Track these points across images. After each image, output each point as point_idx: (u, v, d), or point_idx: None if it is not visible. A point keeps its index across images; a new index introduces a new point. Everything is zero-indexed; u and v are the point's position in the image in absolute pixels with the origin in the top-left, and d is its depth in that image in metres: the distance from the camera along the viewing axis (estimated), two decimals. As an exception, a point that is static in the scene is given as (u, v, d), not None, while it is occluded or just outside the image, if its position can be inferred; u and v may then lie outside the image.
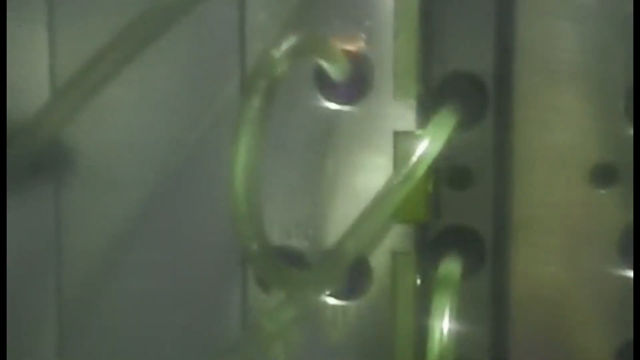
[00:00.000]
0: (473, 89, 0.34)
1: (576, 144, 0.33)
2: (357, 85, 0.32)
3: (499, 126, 0.34)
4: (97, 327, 0.34)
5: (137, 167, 0.34)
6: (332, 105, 0.33)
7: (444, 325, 0.30)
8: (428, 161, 0.30)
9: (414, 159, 0.30)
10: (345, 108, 0.33)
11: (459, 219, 0.34)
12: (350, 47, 0.32)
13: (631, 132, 0.33)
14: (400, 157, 0.32)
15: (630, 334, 0.33)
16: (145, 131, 0.34)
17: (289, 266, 0.31)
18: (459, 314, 0.31)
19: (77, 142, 0.34)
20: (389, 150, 0.32)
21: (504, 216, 0.34)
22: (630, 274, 0.33)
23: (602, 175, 0.33)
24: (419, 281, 0.33)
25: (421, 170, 0.30)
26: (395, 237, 0.32)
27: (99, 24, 0.33)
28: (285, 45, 0.28)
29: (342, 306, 0.33)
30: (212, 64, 0.33)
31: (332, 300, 0.33)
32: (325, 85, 0.33)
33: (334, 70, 0.31)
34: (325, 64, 0.31)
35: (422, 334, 0.32)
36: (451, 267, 0.32)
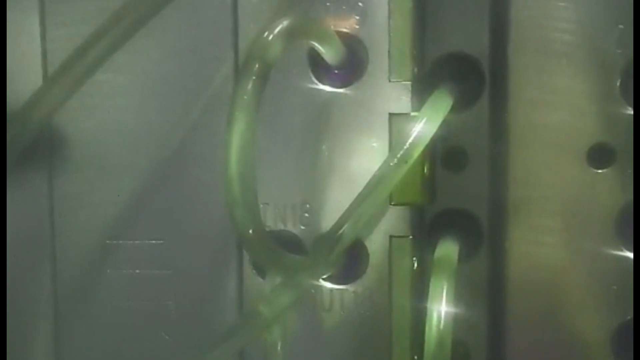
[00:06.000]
0: (468, 70, 0.33)
1: (572, 124, 0.33)
2: (352, 67, 0.32)
3: (494, 107, 0.34)
4: (92, 314, 0.34)
5: (131, 153, 0.34)
6: (327, 88, 0.33)
7: (441, 308, 0.30)
8: (424, 143, 0.30)
9: (410, 141, 0.30)
10: (340, 90, 0.33)
11: (455, 201, 0.34)
12: (344, 29, 0.32)
13: (628, 111, 0.32)
14: (395, 139, 0.32)
15: (627, 315, 0.33)
16: (139, 116, 0.34)
17: (285, 251, 0.31)
18: (456, 297, 0.31)
19: (70, 128, 0.34)
20: (384, 133, 0.32)
21: (501, 197, 0.34)
22: (628, 254, 0.33)
23: (599, 155, 0.33)
24: (415, 264, 0.33)
25: (417, 152, 0.30)
26: (392, 220, 0.32)
27: (90, 9, 0.33)
28: (279, 28, 0.28)
29: (338, 290, 0.33)
30: (205, 48, 0.33)
31: (328, 285, 0.33)
32: (319, 67, 0.32)
33: (327, 52, 0.31)
34: (319, 47, 0.31)
35: (419, 317, 0.32)
36: (448, 249, 0.32)
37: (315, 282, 0.32)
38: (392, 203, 0.32)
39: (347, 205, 0.30)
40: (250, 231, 0.29)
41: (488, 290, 0.34)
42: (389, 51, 0.32)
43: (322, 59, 0.32)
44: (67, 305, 0.35)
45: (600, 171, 0.33)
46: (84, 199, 0.34)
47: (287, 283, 0.30)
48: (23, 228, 0.34)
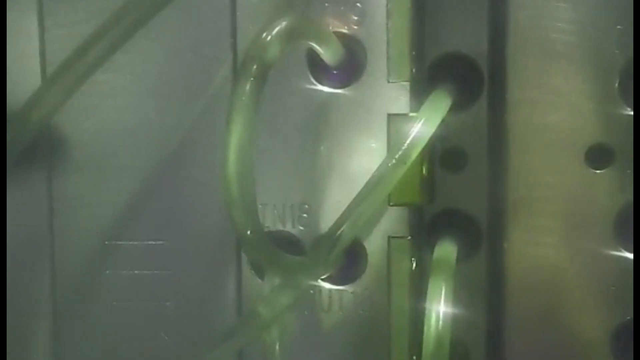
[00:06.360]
0: (467, 70, 0.33)
1: (571, 124, 0.33)
2: (350, 68, 0.32)
3: (493, 107, 0.34)
4: (92, 314, 0.34)
5: (131, 153, 0.34)
6: (325, 89, 0.33)
7: (439, 309, 0.30)
8: (422, 143, 0.30)
9: (408, 141, 0.30)
10: (339, 91, 0.32)
11: (454, 202, 0.34)
12: (343, 30, 0.32)
13: (626, 112, 0.32)
14: (394, 139, 0.32)
15: (626, 315, 0.33)
16: (138, 116, 0.34)
17: (284, 251, 0.31)
18: (455, 298, 0.31)
19: (69, 128, 0.34)
20: (383, 133, 0.32)
21: (499, 198, 0.34)
22: (626, 254, 0.33)
23: (598, 155, 0.33)
24: (414, 265, 0.33)
25: (415, 153, 0.30)
26: (390, 220, 0.32)
27: (89, 9, 0.33)
28: (277, 28, 0.28)
29: (337, 291, 0.33)
30: (204, 48, 0.33)
31: (327, 285, 0.33)
32: (317, 68, 0.32)
33: (326, 53, 0.31)
34: (317, 47, 0.31)
35: (418, 317, 0.32)
36: (447, 250, 0.32)
37: (314, 283, 0.32)
38: (391, 203, 0.32)
39: (345, 206, 0.30)
40: (249, 232, 0.29)
41: (487, 291, 0.34)
42: (387, 52, 0.32)
43: (321, 59, 0.32)
44: (66, 305, 0.35)
45: (598, 171, 0.33)
46: (83, 199, 0.34)
47: (285, 284, 0.30)
48: (23, 228, 0.34)
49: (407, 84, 0.32)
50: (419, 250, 0.33)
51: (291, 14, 0.32)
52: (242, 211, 0.28)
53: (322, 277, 0.32)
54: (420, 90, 0.32)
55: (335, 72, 0.32)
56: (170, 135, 0.34)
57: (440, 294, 0.30)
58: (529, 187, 0.33)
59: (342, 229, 0.30)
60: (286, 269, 0.30)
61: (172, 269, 0.34)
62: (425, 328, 0.30)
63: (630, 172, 0.32)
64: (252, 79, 0.28)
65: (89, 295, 0.35)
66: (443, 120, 0.31)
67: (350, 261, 0.32)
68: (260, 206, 0.32)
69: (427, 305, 0.30)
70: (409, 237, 0.33)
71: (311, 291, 0.33)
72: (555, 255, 0.33)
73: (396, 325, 0.33)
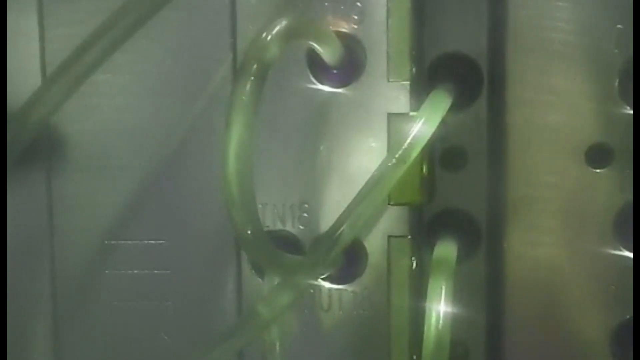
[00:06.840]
0: (467, 69, 0.33)
1: (571, 124, 0.33)
2: (350, 67, 0.32)
3: (493, 107, 0.34)
4: (92, 314, 0.34)
5: (130, 153, 0.34)
6: (325, 88, 0.33)
7: (440, 308, 0.30)
8: (422, 143, 0.30)
9: (408, 141, 0.30)
10: (338, 90, 0.32)
11: (454, 201, 0.34)
12: (343, 29, 0.32)
13: (626, 111, 0.32)
14: (394, 139, 0.32)
15: (626, 314, 0.33)
16: (138, 116, 0.34)
17: (284, 251, 0.31)
18: (455, 297, 0.31)
19: (68, 128, 0.34)
20: (383, 133, 0.32)
21: (499, 197, 0.34)
22: (626, 253, 0.33)
23: (597, 155, 0.33)
24: (414, 264, 0.33)
25: (415, 152, 0.30)
26: (390, 220, 0.32)
27: (89, 9, 0.33)
28: (277, 28, 0.28)
29: (337, 290, 0.33)
30: (203, 48, 0.33)
31: (327, 285, 0.33)
32: (317, 68, 0.32)
33: (326, 52, 0.31)
34: (317, 47, 0.31)
35: (418, 317, 0.32)
36: (447, 249, 0.32)
37: (314, 282, 0.32)
38: (391, 203, 0.32)
39: (345, 205, 0.30)
40: (249, 231, 0.29)
41: (487, 290, 0.34)
42: (387, 51, 0.32)
43: (321, 59, 0.32)
44: (66, 305, 0.35)
45: (598, 171, 0.33)
46: (83, 199, 0.34)
47: (285, 283, 0.30)
48: (22, 228, 0.34)
49: (406, 83, 0.32)
50: (418, 249, 0.33)
51: (291, 14, 0.32)
52: (242, 211, 0.28)
53: (322, 276, 0.32)
54: (420, 90, 0.32)
55: (335, 71, 0.32)
56: (170, 135, 0.34)
57: (440, 293, 0.30)
58: (529, 187, 0.33)
59: (342, 228, 0.30)
60: (286, 268, 0.30)
61: (172, 269, 0.34)
62: (425, 328, 0.30)
63: (629, 171, 0.32)
64: (251, 78, 0.28)
65: (89, 295, 0.34)
66: (443, 120, 0.31)
67: (350, 261, 0.32)
68: (260, 206, 0.32)
69: (427, 304, 0.30)
70: (409, 237, 0.33)
71: (311, 291, 0.33)
72: (555, 254, 0.33)
73: (396, 325, 0.33)
